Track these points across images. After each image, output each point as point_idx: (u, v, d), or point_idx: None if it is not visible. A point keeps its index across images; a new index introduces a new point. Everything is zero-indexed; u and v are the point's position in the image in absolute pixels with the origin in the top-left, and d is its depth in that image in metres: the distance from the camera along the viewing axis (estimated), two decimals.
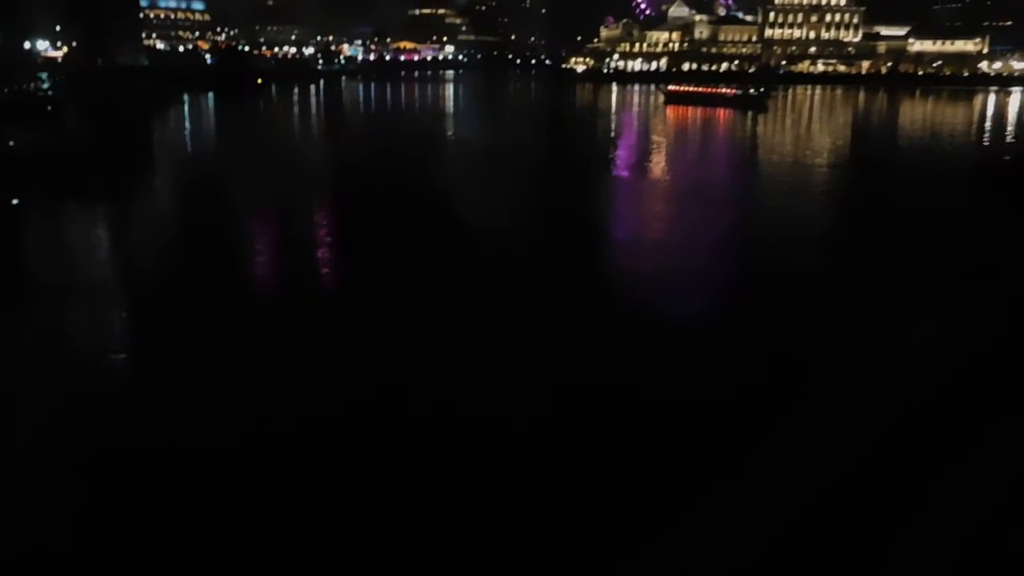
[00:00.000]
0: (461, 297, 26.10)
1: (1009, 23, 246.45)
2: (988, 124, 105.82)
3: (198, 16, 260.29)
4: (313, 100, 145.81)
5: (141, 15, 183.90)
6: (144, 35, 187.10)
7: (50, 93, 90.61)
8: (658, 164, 62.82)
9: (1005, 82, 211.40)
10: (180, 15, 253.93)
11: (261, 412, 17.67)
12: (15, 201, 41.54)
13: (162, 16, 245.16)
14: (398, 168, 56.49)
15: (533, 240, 34.54)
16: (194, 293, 26.30)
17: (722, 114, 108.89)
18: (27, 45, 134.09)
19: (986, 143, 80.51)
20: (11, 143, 50.38)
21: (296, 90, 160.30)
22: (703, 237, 37.07)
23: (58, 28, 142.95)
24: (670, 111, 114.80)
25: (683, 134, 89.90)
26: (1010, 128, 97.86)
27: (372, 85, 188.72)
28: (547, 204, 44.27)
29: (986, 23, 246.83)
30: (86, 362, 20.95)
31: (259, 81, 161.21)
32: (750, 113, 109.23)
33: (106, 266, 31.25)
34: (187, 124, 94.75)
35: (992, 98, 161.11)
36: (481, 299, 25.86)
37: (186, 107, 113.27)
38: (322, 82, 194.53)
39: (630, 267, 31.37)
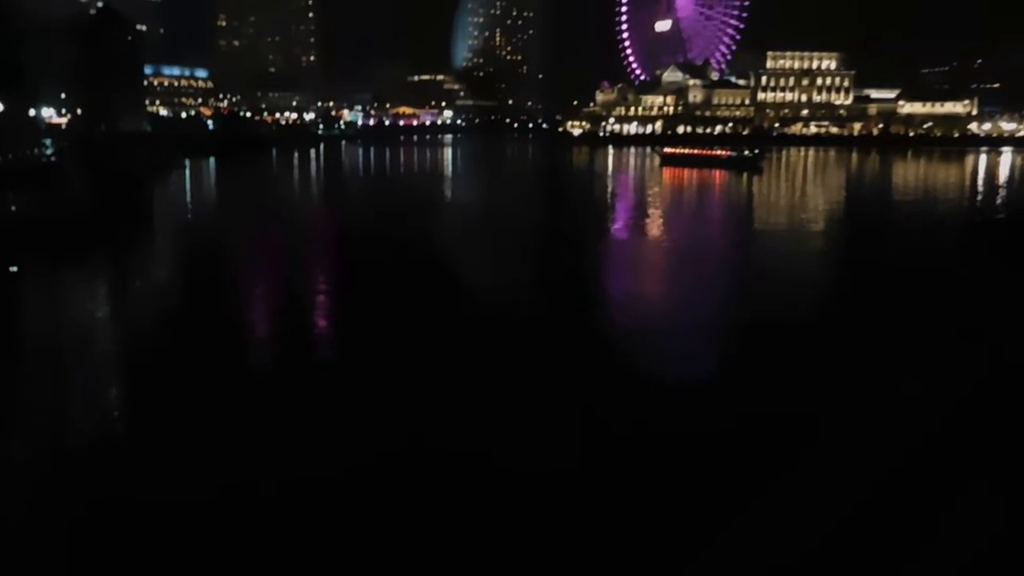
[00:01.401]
0: (462, 359, 25.92)
1: (996, 85, 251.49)
2: (980, 184, 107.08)
3: (201, 83, 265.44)
4: (313, 164, 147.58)
5: (145, 83, 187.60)
6: (148, 102, 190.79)
7: (53, 159, 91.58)
8: (657, 225, 63.25)
9: (995, 143, 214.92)
10: (184, 82, 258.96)
11: (254, 479, 17.34)
12: (13, 268, 41.58)
13: (166, 83, 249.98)
14: (397, 231, 56.78)
15: (533, 302, 34.50)
16: (190, 362, 26.06)
17: (718, 175, 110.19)
18: (32, 112, 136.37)
19: (979, 202, 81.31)
20: (13, 208, 50.66)
21: (296, 154, 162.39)
22: (701, 298, 37.09)
23: (63, 96, 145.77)
24: (666, 173, 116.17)
25: (680, 195, 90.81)
26: (1002, 187, 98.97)
27: (371, 149, 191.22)
28: (547, 266, 44.33)
29: (974, 85, 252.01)
30: (71, 433, 20.64)
31: (259, 146, 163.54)
32: (745, 175, 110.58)
33: (99, 335, 30.98)
34: (187, 189, 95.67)
35: (983, 158, 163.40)
36: (481, 360, 25.69)
37: (187, 172, 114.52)
38: (322, 146, 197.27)
39: (629, 327, 31.26)
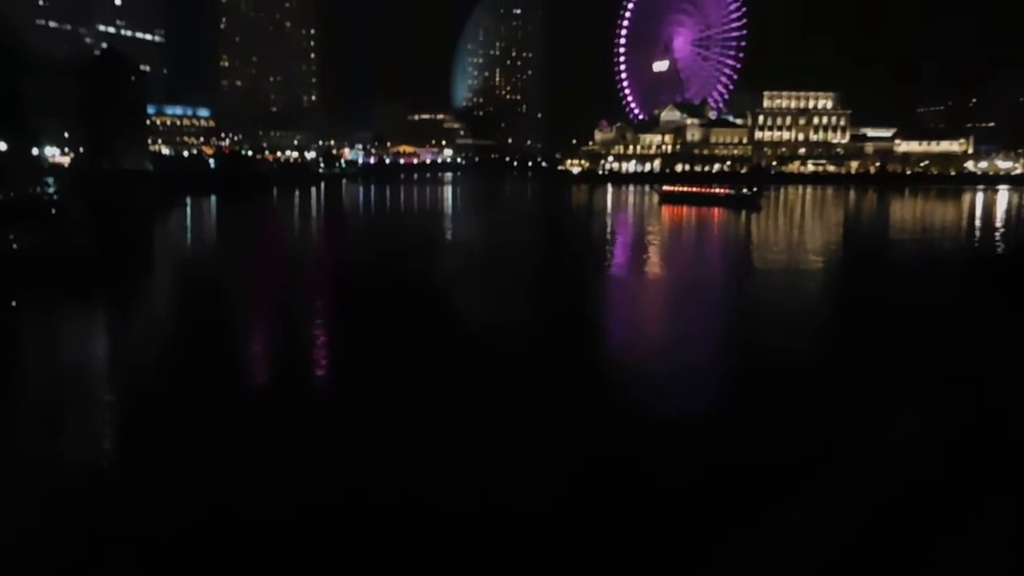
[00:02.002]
0: (463, 396, 25.74)
1: (992, 124, 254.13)
2: (978, 221, 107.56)
3: (203, 122, 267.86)
4: (313, 203, 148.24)
5: (148, 122, 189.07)
6: (150, 141, 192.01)
7: (55, 197, 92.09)
8: (658, 264, 63.33)
9: (991, 181, 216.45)
10: (186, 122, 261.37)
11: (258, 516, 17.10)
12: (13, 303, 41.59)
13: (168, 123, 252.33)
14: (397, 269, 56.80)
15: (534, 340, 34.36)
16: (184, 400, 25.86)
17: (716, 213, 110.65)
18: (35, 150, 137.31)
19: (977, 239, 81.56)
20: (14, 245, 50.78)
21: (297, 193, 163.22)
22: (702, 336, 36.99)
23: (67, 134, 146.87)
24: (665, 211, 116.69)
25: (680, 233, 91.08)
26: (999, 224, 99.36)
27: (372, 188, 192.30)
28: (547, 306, 44.24)
29: (969, 125, 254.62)
30: (63, 476, 20.40)
31: (260, 184, 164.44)
32: (744, 212, 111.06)
33: (91, 373, 30.73)
34: (188, 226, 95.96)
35: (980, 196, 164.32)
36: (482, 397, 25.52)
37: (188, 210, 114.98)
38: (323, 185, 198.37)
39: (628, 365, 31.13)
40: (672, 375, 29.84)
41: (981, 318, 38.73)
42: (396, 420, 23.71)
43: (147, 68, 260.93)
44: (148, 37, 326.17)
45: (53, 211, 78.60)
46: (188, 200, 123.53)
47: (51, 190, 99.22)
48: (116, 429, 23.95)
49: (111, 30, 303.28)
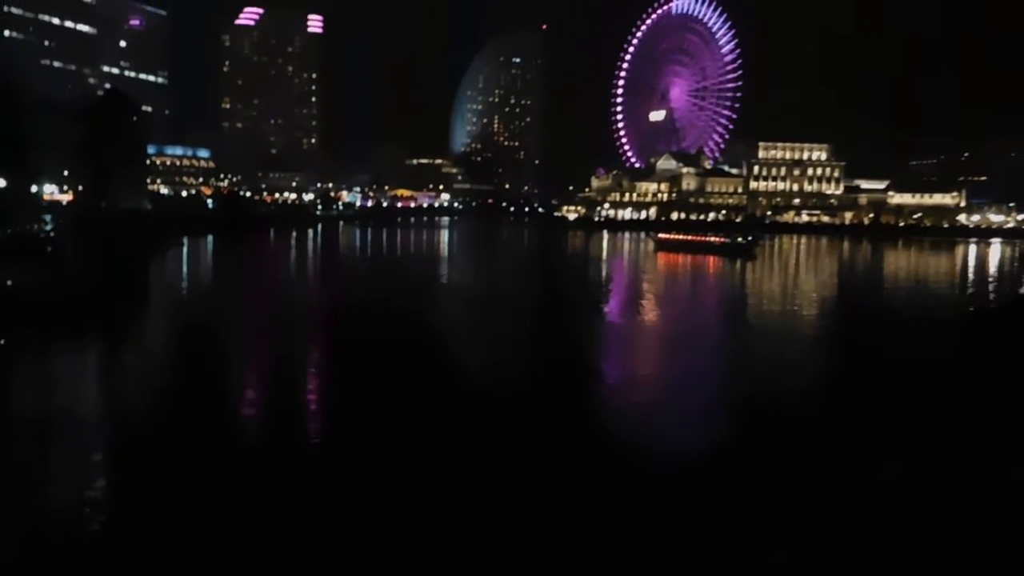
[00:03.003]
0: (459, 442, 25.50)
1: (983, 178, 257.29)
2: (971, 274, 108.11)
3: (203, 163, 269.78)
4: (309, 244, 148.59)
5: (148, 162, 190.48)
6: (150, 180, 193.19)
7: (51, 234, 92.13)
8: (654, 311, 63.35)
9: (984, 234, 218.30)
10: (186, 162, 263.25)
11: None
12: (1, 341, 41.19)
13: (168, 163, 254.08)
14: (392, 313, 56.67)
15: (530, 387, 34.16)
16: (175, 445, 25.50)
17: (712, 262, 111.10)
18: (34, 188, 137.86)
19: (970, 292, 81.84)
20: (8, 282, 50.54)
21: (294, 234, 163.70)
22: (696, 383, 36.88)
23: (66, 173, 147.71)
24: (661, 258, 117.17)
25: (674, 282, 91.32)
26: (992, 278, 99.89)
27: (369, 230, 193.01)
28: (543, 350, 44.09)
29: (962, 178, 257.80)
30: (47, 520, 20.05)
31: (258, 225, 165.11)
32: (739, 261, 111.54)
33: (82, 413, 30.35)
34: (184, 266, 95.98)
35: (973, 249, 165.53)
36: (478, 444, 25.30)
37: (184, 249, 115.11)
38: (320, 226, 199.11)
39: (623, 412, 30.97)
40: (665, 424, 29.71)
41: (973, 371, 38.67)
42: (389, 478, 23.36)
43: (149, 109, 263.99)
44: (151, 78, 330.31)
45: (49, 248, 78.52)
46: (185, 240, 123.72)
47: (48, 227, 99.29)
48: (100, 482, 23.55)
49: (115, 71, 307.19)
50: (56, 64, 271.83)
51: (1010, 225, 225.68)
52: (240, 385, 35.07)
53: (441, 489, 21.79)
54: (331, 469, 23.51)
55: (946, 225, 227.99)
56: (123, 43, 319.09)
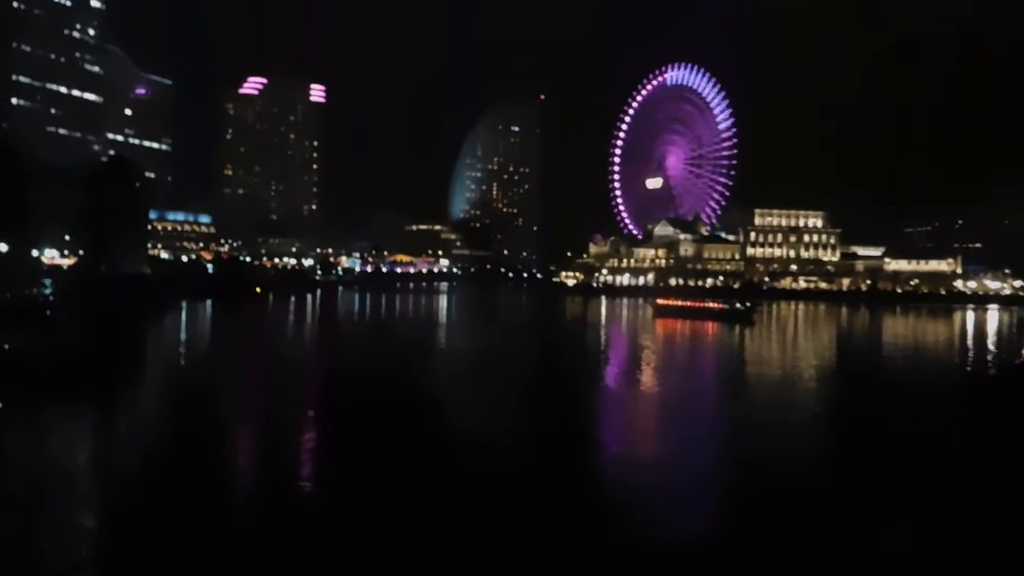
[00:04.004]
0: (455, 515, 24.98)
1: (979, 245, 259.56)
2: (970, 340, 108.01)
3: (204, 228, 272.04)
4: (308, 309, 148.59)
5: (149, 227, 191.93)
6: (150, 245, 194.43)
7: (51, 299, 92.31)
8: (654, 379, 62.95)
9: (981, 300, 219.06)
10: (187, 227, 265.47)
11: None
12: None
13: (169, 228, 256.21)
14: (389, 380, 56.22)
15: (529, 456, 33.68)
16: (166, 514, 24.94)
17: (711, 328, 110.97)
18: (35, 252, 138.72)
19: (969, 359, 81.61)
20: (6, 346, 50.37)
21: (293, 299, 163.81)
22: (695, 454, 36.41)
23: (68, 237, 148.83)
24: (660, 324, 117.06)
25: (674, 348, 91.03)
26: (991, 344, 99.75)
27: (368, 295, 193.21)
28: (541, 419, 43.58)
29: (956, 244, 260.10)
30: None
31: (257, 290, 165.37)
32: (738, 327, 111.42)
33: (70, 481, 29.80)
34: (181, 331, 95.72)
35: (971, 315, 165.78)
36: (476, 517, 24.78)
37: (183, 314, 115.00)
38: (319, 291, 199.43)
39: (622, 483, 30.46)
40: (664, 496, 29.21)
41: (973, 440, 38.28)
42: (386, 541, 22.86)
43: (152, 175, 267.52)
44: (155, 145, 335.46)
45: (48, 313, 78.52)
46: (184, 304, 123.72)
47: (47, 292, 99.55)
48: (92, 541, 23.03)
49: (120, 138, 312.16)
50: (62, 131, 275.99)
51: (1007, 291, 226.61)
52: (225, 456, 34.32)
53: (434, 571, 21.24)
54: (319, 549, 22.94)
55: (943, 291, 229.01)
56: (128, 111, 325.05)
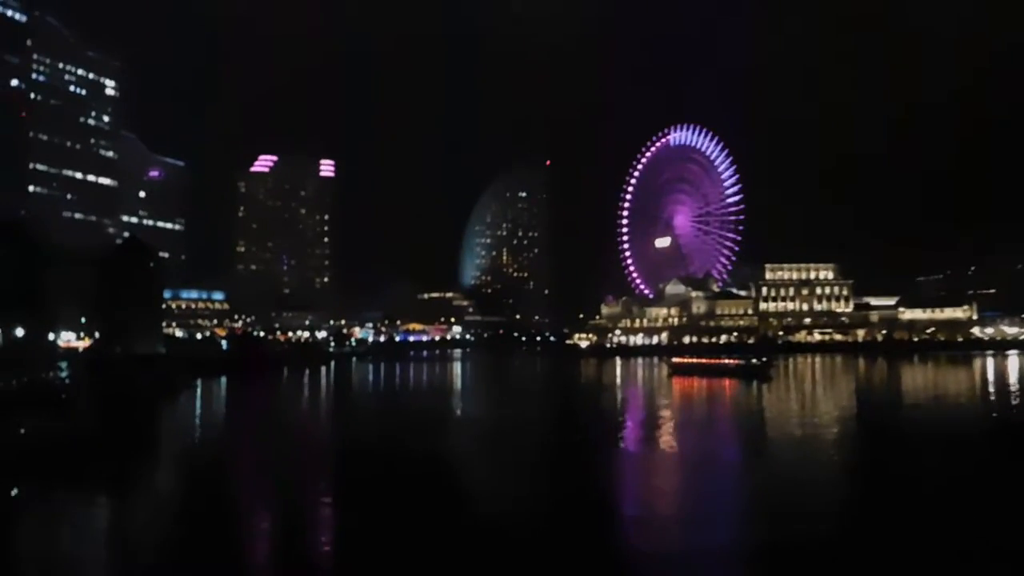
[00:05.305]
0: None
1: (993, 291, 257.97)
2: (992, 388, 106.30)
3: (217, 305, 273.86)
4: (323, 382, 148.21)
5: (164, 306, 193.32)
6: (165, 323, 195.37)
7: (66, 382, 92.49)
8: (674, 441, 62.06)
9: (999, 346, 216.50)
10: (201, 305, 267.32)
11: None
12: (14, 491, 40.93)
13: (183, 306, 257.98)
14: (406, 450, 55.68)
15: (546, 523, 33.08)
16: None
17: (728, 384, 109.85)
18: (51, 335, 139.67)
19: (994, 408, 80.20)
20: (22, 430, 50.50)
21: (307, 372, 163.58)
22: (718, 514, 35.66)
23: (83, 319, 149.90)
24: (676, 383, 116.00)
25: (692, 407, 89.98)
26: (1015, 391, 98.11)
27: (382, 366, 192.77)
28: (559, 484, 42.94)
29: (970, 291, 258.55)
30: None
31: (271, 364, 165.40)
32: (755, 383, 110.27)
33: (84, 566, 29.49)
34: (196, 410, 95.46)
35: (991, 362, 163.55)
36: None
37: (198, 392, 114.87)
38: (333, 364, 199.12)
39: (640, 548, 29.80)
40: (685, 560, 28.53)
41: (1004, 496, 37.35)
42: None
43: (166, 254, 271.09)
44: (169, 225, 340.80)
45: (63, 396, 78.67)
46: (199, 382, 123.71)
47: (63, 375, 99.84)
48: None
49: (134, 219, 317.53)
50: (78, 215, 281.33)
51: None
52: (235, 541, 33.77)
53: None
54: None
55: (960, 339, 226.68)
56: (143, 193, 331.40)
